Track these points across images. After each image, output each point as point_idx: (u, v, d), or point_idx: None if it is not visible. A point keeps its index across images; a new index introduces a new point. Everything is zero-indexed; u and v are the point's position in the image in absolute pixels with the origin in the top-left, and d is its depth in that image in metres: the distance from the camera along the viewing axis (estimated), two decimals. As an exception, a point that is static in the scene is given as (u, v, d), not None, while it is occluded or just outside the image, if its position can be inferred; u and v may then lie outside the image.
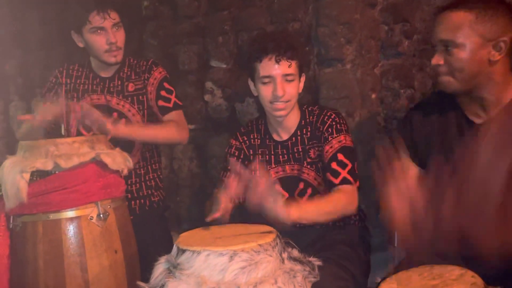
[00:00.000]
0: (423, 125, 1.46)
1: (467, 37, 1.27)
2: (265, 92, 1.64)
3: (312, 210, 1.52)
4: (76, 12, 1.91)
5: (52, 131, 2.07)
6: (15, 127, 3.27)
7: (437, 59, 1.33)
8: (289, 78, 1.63)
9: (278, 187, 1.73)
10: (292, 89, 1.64)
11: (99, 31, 1.90)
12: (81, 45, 1.98)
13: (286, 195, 1.74)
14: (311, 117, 1.73)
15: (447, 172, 1.40)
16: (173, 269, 1.26)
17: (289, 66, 1.61)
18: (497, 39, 1.28)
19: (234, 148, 1.81)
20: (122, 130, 1.79)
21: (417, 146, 1.47)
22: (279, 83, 1.61)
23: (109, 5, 1.90)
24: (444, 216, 1.38)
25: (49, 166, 1.45)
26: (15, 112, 3.31)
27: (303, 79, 1.71)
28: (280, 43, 1.60)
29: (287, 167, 1.75)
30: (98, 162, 1.52)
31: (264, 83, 1.63)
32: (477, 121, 1.38)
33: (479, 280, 1.10)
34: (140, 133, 1.91)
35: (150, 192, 2.07)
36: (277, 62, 1.59)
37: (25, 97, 3.25)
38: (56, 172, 1.47)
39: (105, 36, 1.90)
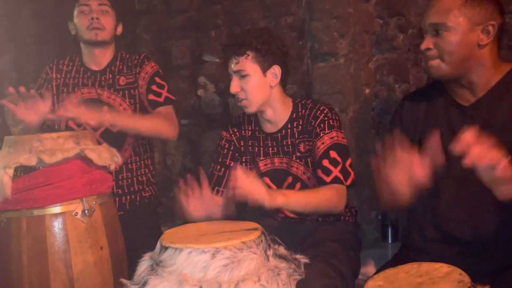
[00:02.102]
0: (412, 111, 1.48)
1: (456, 20, 1.31)
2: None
3: (297, 199, 1.52)
4: None
5: (47, 127, 2.07)
6: (10, 122, 3.26)
7: (426, 43, 1.35)
8: (242, 73, 1.63)
9: (266, 180, 1.73)
10: (247, 85, 1.63)
11: (85, 11, 1.95)
12: (73, 32, 2.01)
13: (274, 187, 1.72)
14: (303, 110, 1.70)
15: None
16: (156, 266, 1.25)
17: (236, 63, 1.63)
18: (485, 23, 1.31)
19: (224, 140, 1.80)
20: (106, 118, 1.77)
21: (406, 132, 1.47)
22: (233, 80, 1.64)
23: None
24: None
25: (32, 161, 1.43)
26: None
27: (273, 70, 1.65)
28: (230, 43, 1.66)
29: (275, 159, 1.73)
30: (83, 158, 1.50)
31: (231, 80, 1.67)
32: (465, 103, 1.40)
33: (466, 278, 1.08)
34: (126, 122, 1.87)
35: (141, 187, 2.06)
36: (227, 60, 1.66)
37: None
38: (40, 167, 1.45)
39: (90, 14, 1.95)
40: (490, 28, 1.31)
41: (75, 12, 1.97)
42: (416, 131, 1.46)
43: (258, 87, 1.64)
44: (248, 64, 1.62)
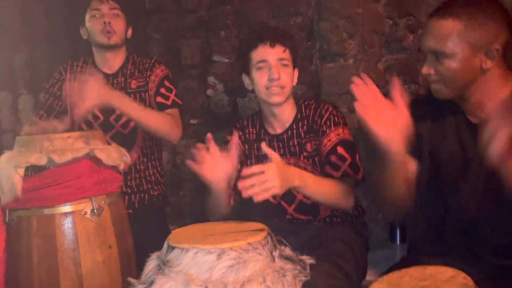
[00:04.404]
0: (416, 120, 1.41)
1: (456, 47, 1.21)
2: (260, 77, 1.64)
3: (312, 182, 1.52)
4: None
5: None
6: (24, 120, 3.31)
7: (428, 69, 1.27)
8: (284, 62, 1.64)
9: None
10: (287, 76, 1.65)
11: (97, 15, 1.98)
12: (85, 36, 2.04)
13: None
14: (307, 110, 1.72)
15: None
16: (163, 266, 1.26)
17: (284, 51, 1.64)
18: (488, 46, 1.21)
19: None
20: (114, 95, 1.80)
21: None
22: (274, 66, 1.63)
23: None
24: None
25: (43, 161, 1.46)
26: (24, 106, 3.35)
27: (296, 72, 1.72)
28: (274, 31, 1.65)
29: (283, 160, 1.73)
30: (92, 158, 1.53)
31: (259, 68, 1.64)
32: (475, 120, 1.35)
33: (470, 282, 1.07)
34: (132, 108, 1.86)
35: (150, 187, 2.09)
36: (272, 46, 1.62)
37: (33, 91, 3.28)
38: (50, 167, 1.48)
39: (101, 19, 1.97)
40: (494, 52, 1.21)
41: (87, 17, 2.00)
42: (420, 141, 1.41)
43: (291, 79, 1.68)
44: (289, 56, 1.66)
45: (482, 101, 1.30)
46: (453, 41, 1.21)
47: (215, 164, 1.53)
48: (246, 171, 1.37)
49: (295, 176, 1.47)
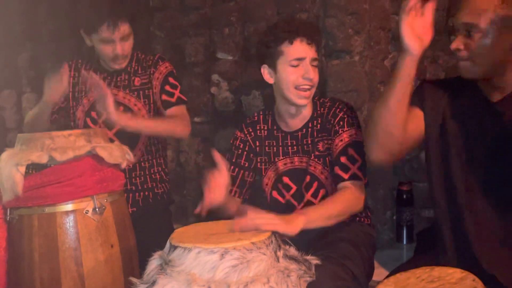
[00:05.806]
0: (434, 95, 1.40)
1: (490, 22, 1.21)
2: (293, 75, 1.59)
3: (318, 216, 1.47)
4: (88, 19, 1.91)
5: (59, 122, 2.09)
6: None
7: (457, 44, 1.27)
8: (314, 63, 1.61)
9: (286, 179, 1.71)
10: (317, 76, 1.62)
11: (108, 41, 1.90)
12: (89, 44, 2.00)
13: (294, 187, 1.71)
14: (322, 108, 1.69)
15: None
16: (165, 266, 1.24)
17: (316, 50, 1.61)
18: None
19: (239, 140, 1.78)
20: (127, 121, 1.80)
21: (425, 114, 1.42)
22: (310, 65, 1.59)
23: (121, 17, 1.87)
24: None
25: (44, 159, 1.44)
26: (28, 104, 3.34)
27: None
28: (311, 27, 1.62)
29: (295, 158, 1.71)
30: (94, 156, 1.51)
31: (294, 66, 1.59)
32: (493, 99, 1.33)
33: (479, 285, 1.05)
34: (144, 125, 1.92)
35: (154, 185, 2.08)
36: (309, 44, 1.58)
37: (37, 89, 3.27)
38: (52, 165, 1.47)
39: (113, 47, 1.91)
40: None
41: (96, 39, 1.91)
42: (436, 117, 1.39)
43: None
44: (318, 56, 1.63)
45: (507, 82, 1.29)
46: (488, 15, 1.21)
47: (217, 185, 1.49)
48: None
49: (297, 218, 1.40)
